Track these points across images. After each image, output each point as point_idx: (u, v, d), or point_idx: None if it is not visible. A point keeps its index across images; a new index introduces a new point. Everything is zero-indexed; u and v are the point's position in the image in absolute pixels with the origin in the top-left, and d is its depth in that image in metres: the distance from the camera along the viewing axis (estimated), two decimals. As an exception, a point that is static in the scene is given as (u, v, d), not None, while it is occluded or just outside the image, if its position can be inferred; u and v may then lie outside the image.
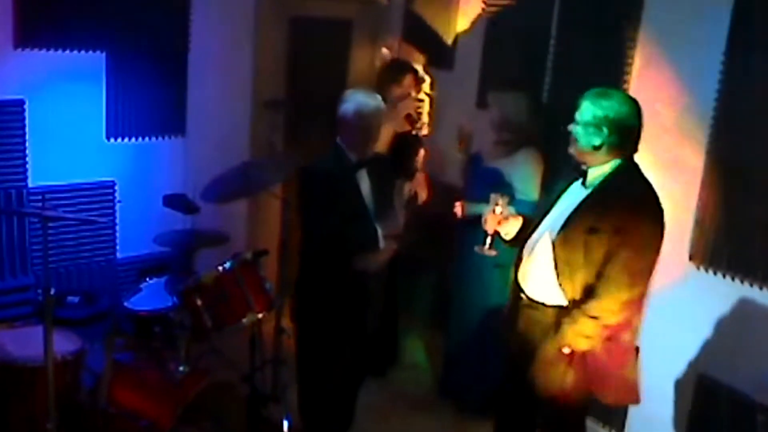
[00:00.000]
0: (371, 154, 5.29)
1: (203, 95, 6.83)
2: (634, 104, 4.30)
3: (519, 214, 4.82)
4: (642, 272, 4.26)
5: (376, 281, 5.27)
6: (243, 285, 5.29)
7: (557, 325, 4.39)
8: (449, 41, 7.28)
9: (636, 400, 4.58)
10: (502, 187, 5.44)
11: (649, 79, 5.46)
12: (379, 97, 5.29)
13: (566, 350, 4.36)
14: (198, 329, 5.21)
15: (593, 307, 4.25)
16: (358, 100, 5.17)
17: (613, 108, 4.24)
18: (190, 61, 6.74)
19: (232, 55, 6.96)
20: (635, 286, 4.23)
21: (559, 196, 4.57)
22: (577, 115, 4.33)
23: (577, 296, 4.34)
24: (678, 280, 5.27)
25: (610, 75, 5.57)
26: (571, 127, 4.36)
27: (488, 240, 4.79)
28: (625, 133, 4.26)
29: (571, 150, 4.41)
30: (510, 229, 4.76)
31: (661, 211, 4.29)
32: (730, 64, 4.99)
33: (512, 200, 4.91)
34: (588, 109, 4.28)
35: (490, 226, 4.75)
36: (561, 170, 4.79)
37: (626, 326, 4.37)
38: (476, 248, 4.85)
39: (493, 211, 4.73)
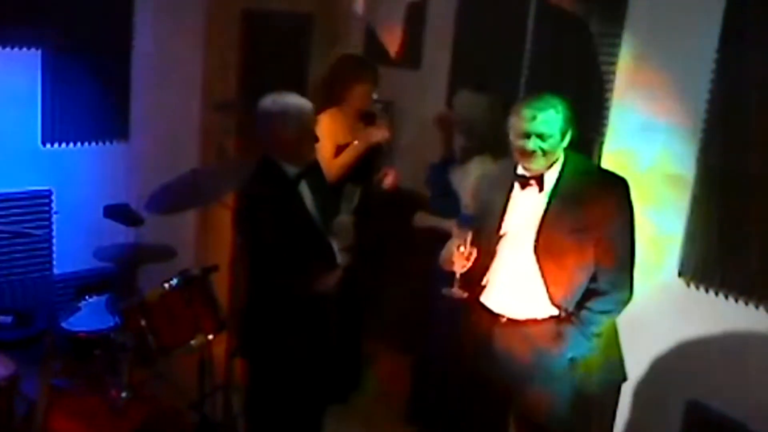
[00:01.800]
0: (312, 161, 5.03)
1: (148, 97, 6.84)
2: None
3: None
4: (632, 245, 4.47)
5: (331, 301, 5.14)
6: (191, 304, 5.33)
7: (558, 335, 4.48)
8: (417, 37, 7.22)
9: (625, 378, 4.84)
10: (448, 197, 5.57)
11: (635, 80, 5.43)
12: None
13: (570, 356, 4.49)
14: (142, 352, 5.22)
15: (602, 302, 4.43)
16: (291, 104, 4.81)
17: (561, 104, 4.39)
18: (134, 59, 6.73)
19: (179, 52, 6.97)
20: (631, 265, 4.48)
21: (504, 209, 4.60)
22: (543, 128, 4.35)
23: (575, 300, 4.48)
24: (666, 298, 5.26)
25: (593, 74, 5.57)
26: (537, 144, 4.37)
27: (456, 281, 4.60)
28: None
29: (535, 164, 4.44)
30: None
31: (622, 180, 4.47)
32: (723, 65, 4.96)
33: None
34: (550, 119, 4.36)
35: (458, 267, 4.57)
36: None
37: None
38: (444, 291, 4.64)
39: (458, 248, 4.54)
